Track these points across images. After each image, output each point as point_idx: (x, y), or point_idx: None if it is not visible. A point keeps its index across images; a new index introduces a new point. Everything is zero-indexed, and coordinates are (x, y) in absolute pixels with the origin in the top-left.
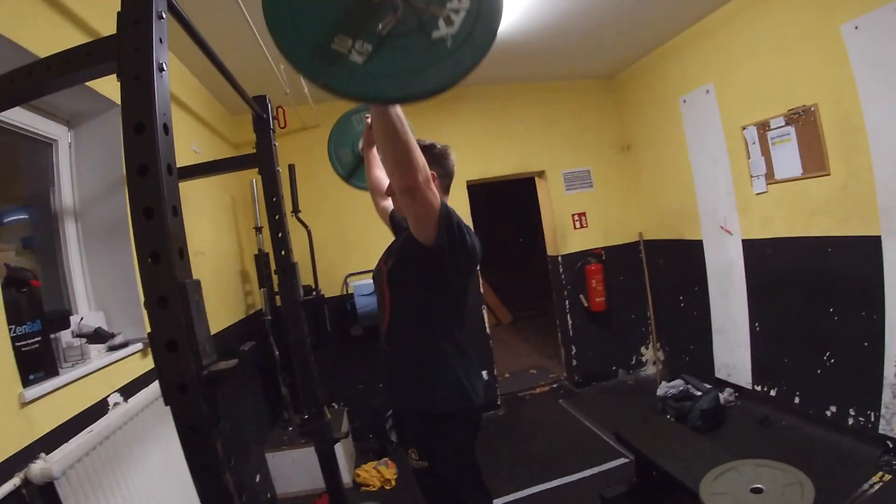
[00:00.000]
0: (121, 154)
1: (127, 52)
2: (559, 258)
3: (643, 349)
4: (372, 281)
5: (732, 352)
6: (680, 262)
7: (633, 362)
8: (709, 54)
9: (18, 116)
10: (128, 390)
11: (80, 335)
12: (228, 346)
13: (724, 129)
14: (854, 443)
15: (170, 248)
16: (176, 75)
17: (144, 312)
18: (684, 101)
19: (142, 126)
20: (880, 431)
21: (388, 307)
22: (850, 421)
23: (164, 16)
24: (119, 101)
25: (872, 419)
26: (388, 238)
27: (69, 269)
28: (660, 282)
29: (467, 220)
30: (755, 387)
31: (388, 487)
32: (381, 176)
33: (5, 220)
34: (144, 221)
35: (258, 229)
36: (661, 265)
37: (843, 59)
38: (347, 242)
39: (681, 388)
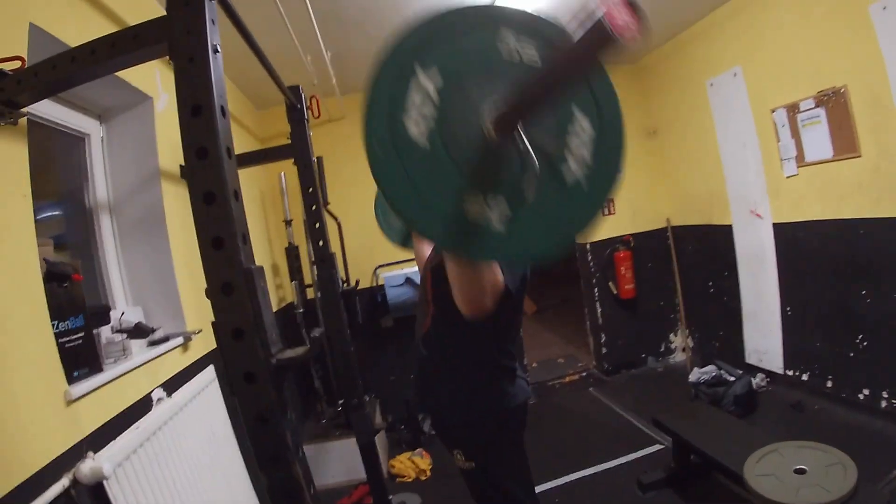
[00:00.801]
0: (155, 147)
1: (178, 33)
2: (587, 246)
3: (672, 336)
4: (402, 273)
5: (764, 337)
6: (709, 247)
7: (663, 349)
8: (735, 37)
9: (49, 110)
10: (170, 385)
11: (120, 330)
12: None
13: (753, 113)
14: (888, 425)
15: (233, 232)
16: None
17: (184, 306)
18: (711, 85)
19: (199, 108)
20: None
21: (431, 313)
22: (884, 404)
23: None
24: (152, 94)
25: None
26: None
27: (105, 264)
28: (689, 268)
29: None
30: (787, 371)
31: (423, 478)
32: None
33: (39, 217)
34: (205, 206)
35: (288, 222)
36: (689, 251)
37: (871, 39)
38: (376, 234)
39: (714, 374)
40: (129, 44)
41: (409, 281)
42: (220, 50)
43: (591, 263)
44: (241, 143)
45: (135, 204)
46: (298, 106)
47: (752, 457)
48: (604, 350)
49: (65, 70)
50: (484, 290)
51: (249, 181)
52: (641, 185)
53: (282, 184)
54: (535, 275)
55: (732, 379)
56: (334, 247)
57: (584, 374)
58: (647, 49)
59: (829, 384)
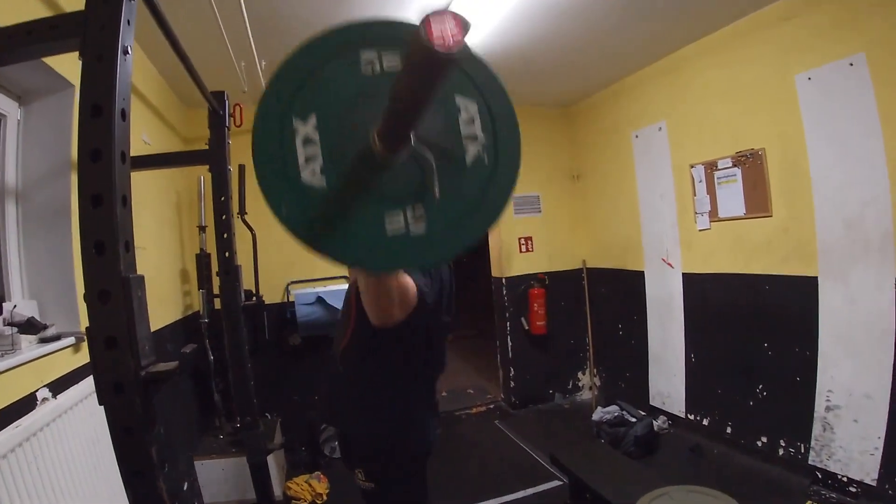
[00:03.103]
0: (71, 137)
1: (93, 30)
2: (503, 280)
3: (580, 374)
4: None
5: (668, 381)
6: (621, 291)
7: (570, 386)
8: (665, 92)
9: None
10: (57, 386)
11: (11, 323)
12: (164, 346)
13: (673, 166)
14: (784, 472)
15: (116, 239)
16: (133, 59)
17: (80, 306)
18: (636, 136)
19: (99, 109)
20: (810, 462)
21: (352, 327)
22: (781, 451)
23: None
24: (75, 82)
25: (803, 450)
26: None
27: (5, 252)
28: (600, 309)
29: None
30: (688, 415)
31: (319, 502)
32: None
33: None
34: (92, 209)
35: (202, 228)
36: (602, 293)
37: (793, 107)
38: (292, 250)
39: (616, 414)
40: (46, 34)
41: (320, 300)
42: (131, 52)
43: (506, 297)
44: (164, 142)
45: (43, 193)
46: (220, 112)
47: (644, 498)
48: (512, 384)
49: None
50: (392, 300)
51: (167, 182)
52: (561, 226)
53: (200, 187)
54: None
55: (634, 420)
56: (248, 259)
57: (492, 406)
58: (579, 96)
59: (729, 430)
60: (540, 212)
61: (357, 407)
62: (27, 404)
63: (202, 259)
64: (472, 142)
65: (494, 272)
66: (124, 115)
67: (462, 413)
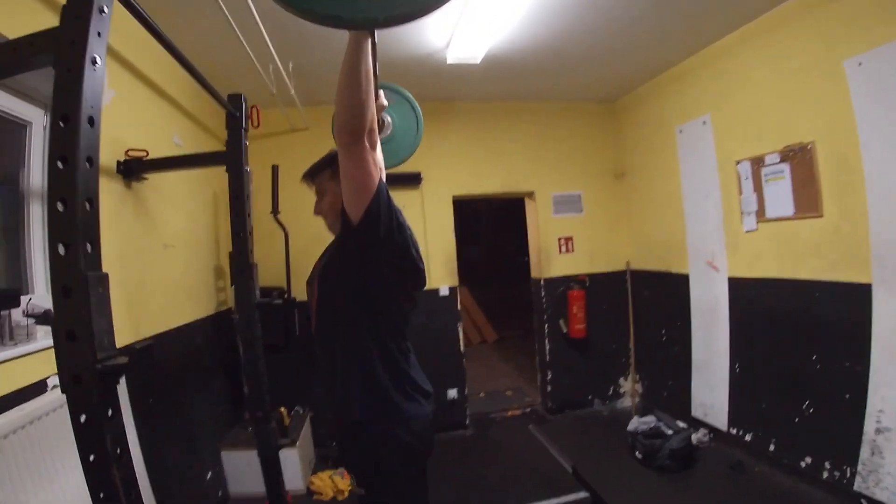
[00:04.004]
0: None
1: (64, 45)
2: (542, 281)
3: (622, 380)
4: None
5: (711, 391)
6: (665, 295)
7: (611, 393)
8: (708, 84)
9: None
10: None
11: (29, 315)
12: (194, 339)
13: (719, 163)
14: (828, 497)
15: (79, 239)
16: (164, 68)
17: None
18: (680, 132)
19: (66, 118)
20: (855, 489)
21: (316, 305)
22: (825, 474)
23: (106, 10)
24: None
25: (848, 475)
26: None
27: (31, 249)
28: (643, 313)
29: (446, 235)
30: (731, 430)
31: (339, 498)
32: None
33: None
34: (58, 210)
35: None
36: (645, 296)
37: (844, 96)
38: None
39: (652, 425)
40: (26, 50)
41: None
42: (99, 62)
43: (544, 299)
44: (200, 144)
45: None
46: (237, 115)
47: None
48: (549, 388)
49: None
50: (367, 108)
51: (203, 182)
52: (603, 225)
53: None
54: (503, 302)
55: (670, 432)
56: (280, 257)
57: (528, 410)
58: (621, 90)
59: (772, 447)
60: (581, 211)
61: (334, 387)
62: (37, 390)
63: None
64: None
65: (533, 273)
66: (92, 122)
67: (497, 415)
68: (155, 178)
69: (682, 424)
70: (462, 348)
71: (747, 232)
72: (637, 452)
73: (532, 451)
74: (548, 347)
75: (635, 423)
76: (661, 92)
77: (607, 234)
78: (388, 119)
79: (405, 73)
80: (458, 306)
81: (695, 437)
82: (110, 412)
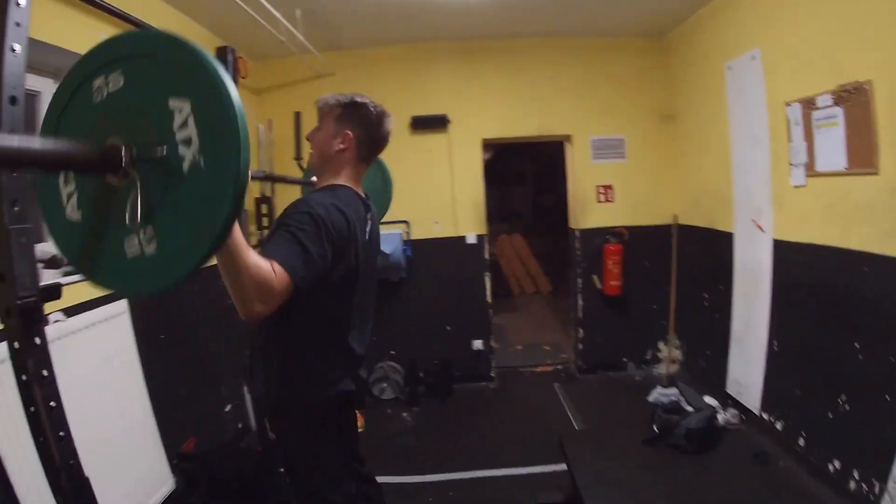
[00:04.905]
0: None
1: None
2: (577, 232)
3: (661, 344)
4: None
5: (747, 368)
6: (709, 254)
7: (649, 357)
8: (758, 12)
9: None
10: (73, 311)
11: (39, 260)
12: (217, 283)
13: (768, 105)
14: None
15: (3, 200)
16: (181, 28)
17: None
18: (729, 69)
19: None
20: None
21: None
22: (852, 484)
23: (22, 3)
24: None
25: (877, 490)
26: (396, 189)
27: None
28: (686, 273)
29: (474, 180)
30: (762, 414)
31: None
32: None
33: None
34: None
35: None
36: (690, 255)
37: None
38: None
39: (672, 398)
40: None
41: None
42: (18, 49)
43: (578, 251)
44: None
45: None
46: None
47: None
48: (581, 346)
49: None
50: (250, 296)
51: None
52: (648, 174)
53: (259, 135)
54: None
55: (690, 409)
56: None
57: (560, 367)
58: (671, 22)
59: (802, 441)
60: (623, 157)
61: (260, 377)
62: None
63: (261, 202)
64: (186, 147)
65: (571, 223)
66: (14, 100)
67: (526, 370)
68: None
69: (709, 401)
70: (489, 299)
71: (795, 187)
72: (654, 426)
73: (549, 410)
74: (580, 304)
75: (656, 394)
76: (711, 23)
77: (652, 183)
78: None
79: (430, 10)
80: (486, 255)
81: (722, 417)
82: (38, 340)
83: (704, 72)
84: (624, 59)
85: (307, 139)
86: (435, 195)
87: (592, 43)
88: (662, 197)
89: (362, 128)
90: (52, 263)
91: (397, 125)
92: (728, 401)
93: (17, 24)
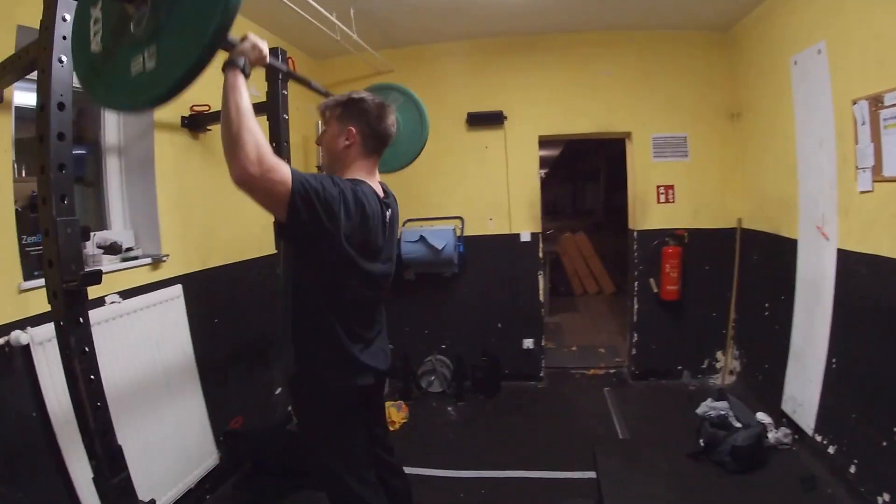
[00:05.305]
0: None
1: (41, 50)
2: (635, 233)
3: (718, 354)
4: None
5: (803, 385)
6: (772, 262)
7: (705, 366)
8: (825, 2)
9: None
10: (129, 294)
11: (100, 246)
12: (251, 274)
13: (835, 102)
14: None
15: (50, 195)
16: (240, 29)
17: (162, 235)
18: (795, 63)
19: (42, 106)
20: None
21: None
22: None
23: (68, 17)
24: None
25: None
26: (451, 185)
27: (108, 195)
28: (748, 281)
29: (529, 177)
30: (815, 435)
31: (391, 429)
32: None
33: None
34: (40, 175)
35: (320, 168)
36: (753, 261)
37: None
38: (407, 188)
39: (721, 412)
40: (26, 55)
41: (422, 239)
42: (65, 59)
43: (636, 253)
44: (295, 93)
45: (136, 148)
46: (273, 67)
47: None
48: (634, 351)
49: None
50: (245, 151)
51: (293, 129)
52: (712, 174)
53: (318, 130)
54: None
55: (738, 425)
56: None
57: (613, 371)
58: (738, 12)
59: (853, 469)
60: (686, 156)
61: (287, 347)
62: (96, 304)
63: None
64: None
65: (630, 223)
66: (62, 106)
67: (577, 372)
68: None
69: (762, 417)
70: (542, 297)
71: (861, 193)
72: (701, 440)
73: (595, 415)
74: (636, 307)
75: (705, 407)
76: (776, 14)
77: (716, 184)
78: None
79: (486, 5)
80: (540, 253)
81: (772, 436)
82: (80, 319)
83: (770, 67)
84: (687, 53)
85: (316, 143)
86: (490, 192)
87: (654, 36)
88: (726, 199)
89: (364, 122)
90: (111, 249)
91: (453, 121)
92: (782, 418)
93: (64, 38)
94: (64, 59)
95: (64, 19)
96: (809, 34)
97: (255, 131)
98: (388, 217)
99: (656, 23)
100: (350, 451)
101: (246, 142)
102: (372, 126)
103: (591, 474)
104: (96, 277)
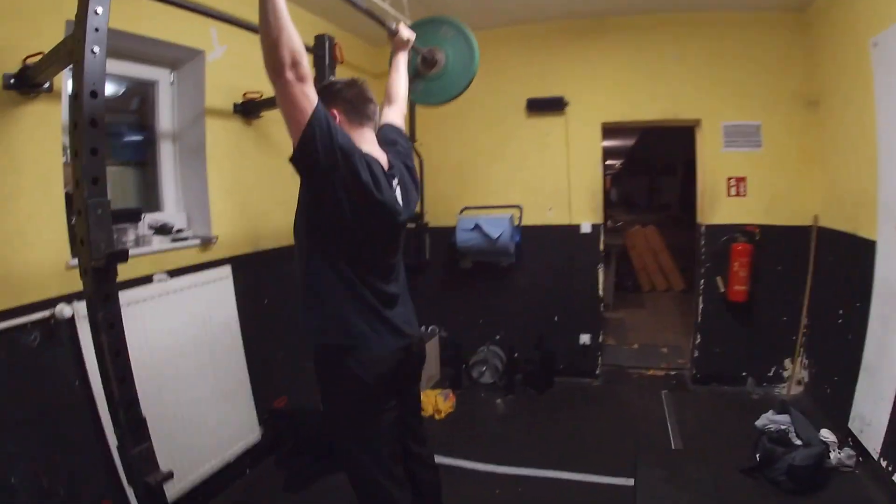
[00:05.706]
0: (203, 91)
1: (75, 42)
2: (703, 228)
3: (787, 362)
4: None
5: (874, 403)
6: (848, 263)
7: (771, 374)
8: None
9: (120, 68)
10: (176, 273)
11: (151, 227)
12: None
13: None
14: None
15: (81, 178)
16: (303, 27)
17: (212, 216)
18: (875, 45)
19: (76, 95)
20: None
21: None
22: None
23: (100, 11)
24: (204, 48)
25: None
26: (510, 173)
27: (162, 179)
28: (823, 284)
29: (591, 166)
30: (881, 459)
31: (437, 417)
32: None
33: (125, 140)
34: (74, 158)
35: None
36: (829, 263)
37: None
38: (464, 176)
39: (782, 427)
40: (64, 47)
41: (477, 227)
42: (97, 50)
43: (703, 249)
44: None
45: (188, 134)
46: (320, 53)
47: None
48: (696, 353)
49: (46, 64)
50: (282, 53)
51: None
52: (788, 166)
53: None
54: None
55: (798, 443)
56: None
57: (673, 373)
58: None
59: None
60: (759, 146)
61: (302, 316)
62: (144, 282)
63: None
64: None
65: (698, 217)
66: (95, 94)
67: (636, 371)
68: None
69: (826, 435)
70: (601, 292)
71: None
72: (757, 455)
73: (648, 419)
74: (700, 307)
75: (765, 420)
76: None
77: (792, 177)
78: (440, 56)
79: None
80: (601, 246)
81: (835, 456)
82: (108, 296)
83: (848, 49)
84: (760, 35)
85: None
86: (550, 181)
87: (724, 17)
88: (802, 193)
89: (339, 99)
90: (161, 230)
91: (513, 108)
92: (848, 438)
93: (96, 30)
94: (97, 49)
95: (96, 13)
96: (891, 12)
97: (296, 40)
98: (393, 182)
99: (726, 3)
100: (372, 437)
101: (283, 46)
102: (347, 98)
103: (621, 481)
104: (123, 256)
